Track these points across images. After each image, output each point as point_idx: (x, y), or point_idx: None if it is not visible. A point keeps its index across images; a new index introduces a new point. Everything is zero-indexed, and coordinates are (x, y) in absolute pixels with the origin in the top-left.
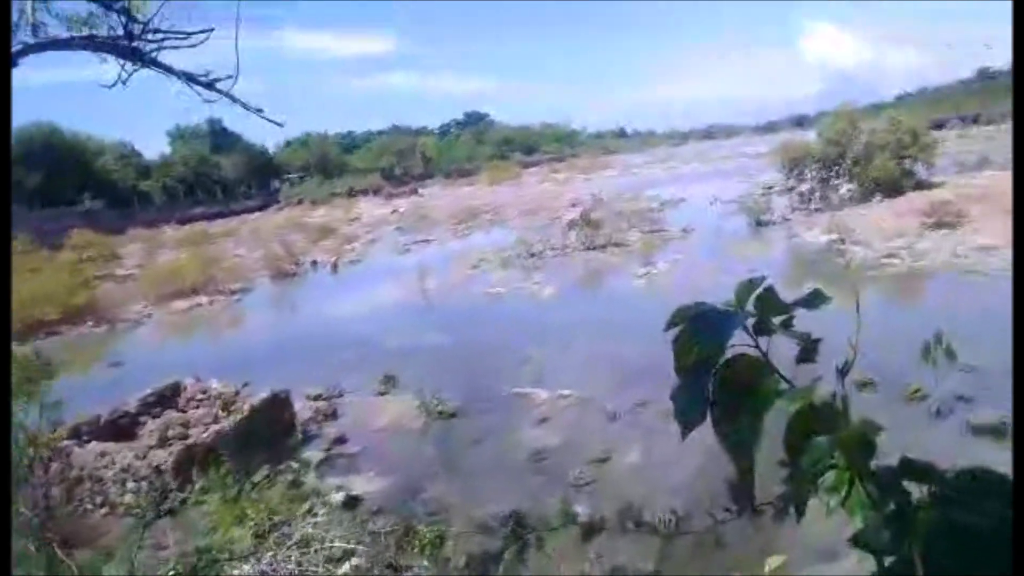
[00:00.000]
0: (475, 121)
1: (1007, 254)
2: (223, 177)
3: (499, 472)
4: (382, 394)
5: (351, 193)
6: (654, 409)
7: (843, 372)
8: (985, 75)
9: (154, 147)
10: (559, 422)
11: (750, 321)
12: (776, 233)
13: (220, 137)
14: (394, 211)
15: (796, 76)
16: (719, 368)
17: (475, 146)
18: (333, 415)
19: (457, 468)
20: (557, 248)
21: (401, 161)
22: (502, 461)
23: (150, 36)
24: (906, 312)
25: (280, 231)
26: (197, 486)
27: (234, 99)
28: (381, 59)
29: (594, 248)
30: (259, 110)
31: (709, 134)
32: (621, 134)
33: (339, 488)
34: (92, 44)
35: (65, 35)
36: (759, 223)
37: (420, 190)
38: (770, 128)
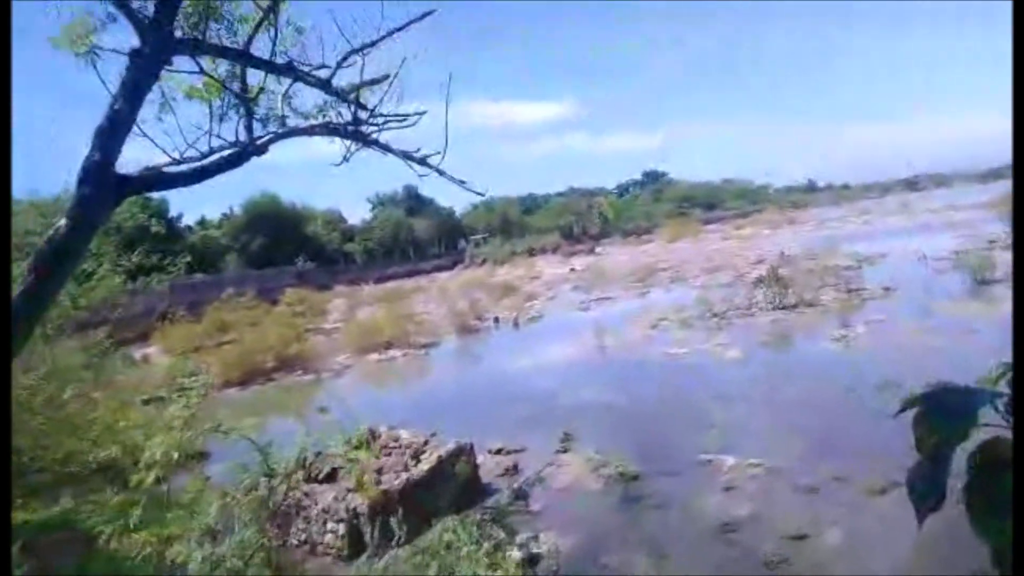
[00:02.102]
0: (653, 180)
1: None
2: (416, 238)
3: (684, 541)
4: (561, 452)
5: (531, 252)
6: (855, 485)
7: None
8: None
9: (357, 213)
10: (747, 492)
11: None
12: (1001, 292)
13: (414, 202)
14: (572, 269)
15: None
16: (975, 452)
17: (653, 204)
18: (514, 469)
19: (640, 533)
20: (741, 308)
21: (579, 221)
22: (687, 530)
23: (373, 120)
24: None
25: (465, 289)
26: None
27: (442, 173)
28: (558, 123)
29: (783, 308)
30: (461, 181)
31: (913, 185)
32: (811, 188)
33: (520, 545)
34: (325, 130)
35: (304, 124)
36: (981, 281)
37: (597, 249)
38: (990, 175)
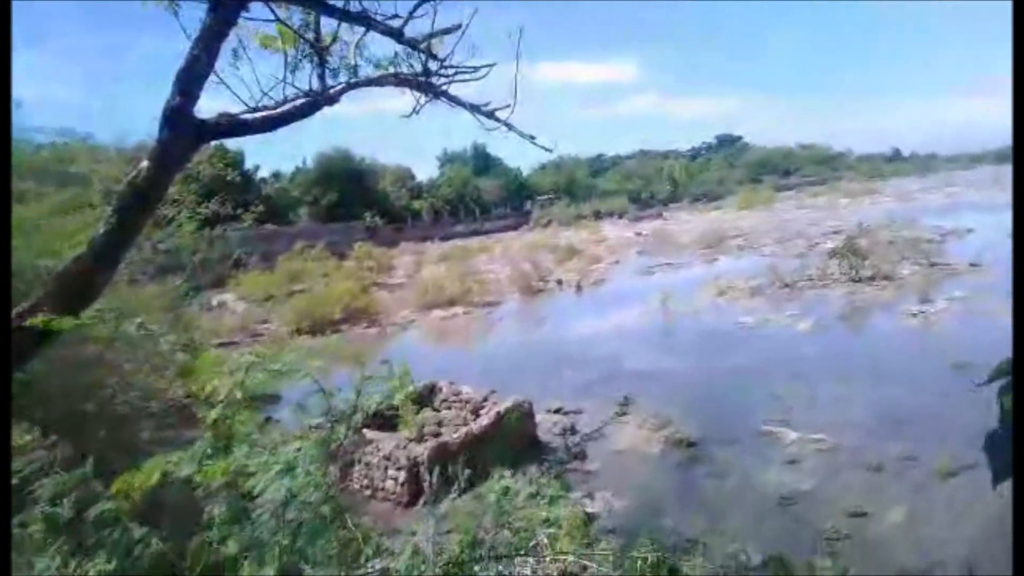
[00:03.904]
0: (727, 144)
1: None
2: (482, 198)
3: (741, 510)
4: (620, 415)
5: (597, 215)
6: (924, 465)
7: None
8: None
9: (425, 170)
10: (809, 466)
11: None
12: None
13: (482, 161)
14: (638, 234)
15: None
16: None
17: (726, 169)
18: (572, 430)
19: (695, 500)
20: (814, 279)
21: (648, 185)
22: (744, 499)
23: (443, 72)
24: None
25: (529, 250)
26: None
27: (510, 127)
28: (631, 84)
29: (859, 280)
30: (531, 137)
31: (1006, 155)
32: (895, 156)
33: (576, 503)
34: (396, 81)
35: (376, 74)
36: None
37: (666, 213)
38: None
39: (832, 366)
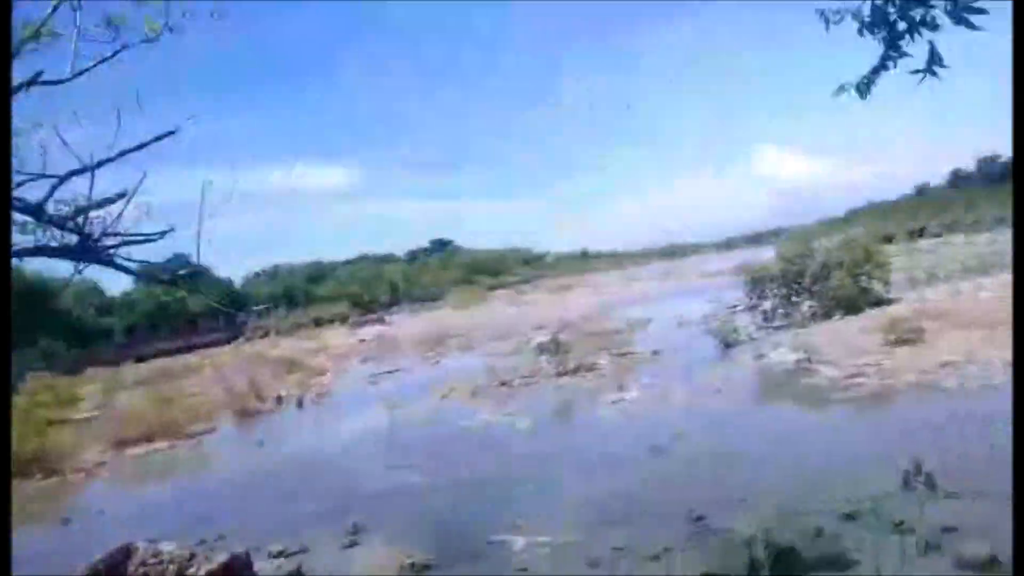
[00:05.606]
0: (440, 247)
1: (969, 370)
2: (188, 309)
3: None
4: (350, 546)
5: (317, 323)
6: (633, 554)
7: None
8: (924, 191)
9: (119, 284)
10: (539, 572)
11: None
12: (744, 354)
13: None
14: (361, 340)
15: (747, 194)
16: None
17: (441, 272)
18: (297, 574)
19: None
20: (527, 375)
21: (368, 289)
22: None
23: (108, 239)
24: (883, 431)
25: (245, 365)
26: None
27: (197, 288)
28: (347, 189)
29: (565, 373)
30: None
31: (669, 252)
32: (584, 255)
33: None
34: (57, 252)
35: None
36: (727, 344)
37: (387, 317)
38: (729, 245)
39: (552, 462)
